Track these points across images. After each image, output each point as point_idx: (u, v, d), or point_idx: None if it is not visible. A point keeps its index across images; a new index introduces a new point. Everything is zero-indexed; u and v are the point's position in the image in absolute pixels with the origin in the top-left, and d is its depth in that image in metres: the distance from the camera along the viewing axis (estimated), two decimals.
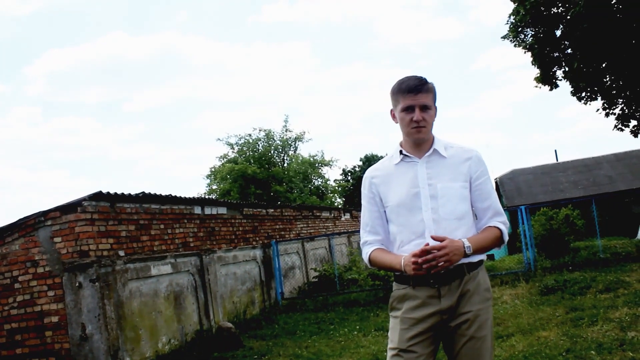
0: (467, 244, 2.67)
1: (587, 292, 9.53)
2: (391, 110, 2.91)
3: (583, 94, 17.11)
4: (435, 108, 2.87)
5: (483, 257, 2.87)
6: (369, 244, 2.97)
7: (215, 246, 11.45)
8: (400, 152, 2.88)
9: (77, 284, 7.89)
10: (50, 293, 8.05)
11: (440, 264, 2.59)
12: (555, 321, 7.86)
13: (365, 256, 2.98)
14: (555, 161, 33.29)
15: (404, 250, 2.80)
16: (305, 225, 17.12)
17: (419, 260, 2.59)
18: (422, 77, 2.81)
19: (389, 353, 2.83)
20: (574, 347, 6.33)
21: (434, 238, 2.64)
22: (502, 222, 2.86)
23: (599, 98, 17.23)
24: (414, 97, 2.76)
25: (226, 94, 68.33)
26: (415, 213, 2.79)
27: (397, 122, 2.88)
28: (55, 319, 8.01)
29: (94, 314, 7.87)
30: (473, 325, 2.73)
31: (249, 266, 12.96)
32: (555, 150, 67.86)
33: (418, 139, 2.81)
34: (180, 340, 9.58)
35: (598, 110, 17.53)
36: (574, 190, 26.94)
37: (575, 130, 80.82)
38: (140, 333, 8.68)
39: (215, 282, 11.06)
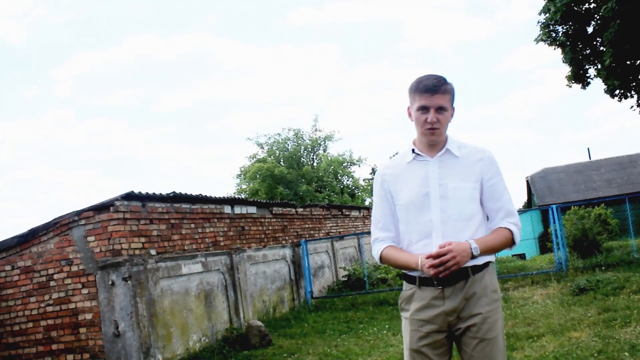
0: (473, 245, 2.66)
1: (621, 292, 9.38)
2: (408, 107, 2.88)
3: (616, 91, 16.80)
4: (453, 109, 2.84)
5: (490, 258, 2.84)
6: (380, 241, 2.94)
7: (245, 245, 11.55)
8: (413, 150, 2.87)
9: (110, 282, 8.04)
10: (84, 291, 8.22)
11: (451, 267, 2.59)
12: (587, 322, 7.76)
13: (376, 253, 2.95)
14: (588, 159, 32.76)
15: (412, 250, 2.81)
16: (334, 224, 17.15)
17: (436, 262, 2.59)
18: (441, 77, 2.77)
19: (404, 352, 2.88)
20: (606, 349, 6.25)
21: (440, 247, 2.63)
22: (513, 223, 2.82)
23: (634, 95, 16.89)
24: (430, 98, 2.72)
25: (255, 95, 68.62)
26: (425, 213, 2.78)
27: (412, 120, 2.86)
28: (89, 316, 8.18)
29: (126, 311, 8.01)
30: (483, 327, 2.72)
31: (279, 265, 13.04)
32: (588, 149, 66.41)
33: (431, 140, 2.79)
34: (211, 339, 9.69)
35: (632, 107, 17.17)
36: (607, 188, 26.52)
37: (609, 128, 79.30)
38: (171, 331, 8.81)
39: (245, 281, 11.16)
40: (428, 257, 2.63)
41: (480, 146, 2.89)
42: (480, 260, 2.74)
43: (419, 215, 2.79)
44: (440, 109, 2.74)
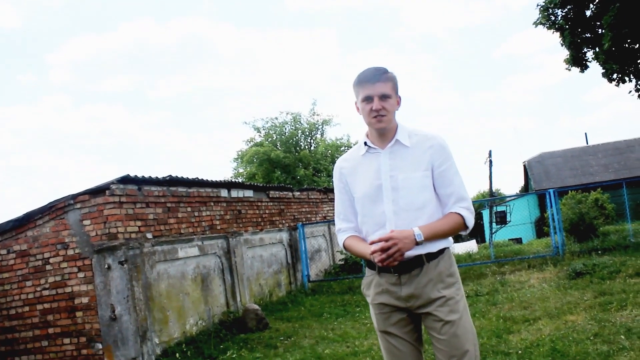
0: (417, 232, 2.71)
1: (617, 276, 9.40)
2: (355, 103, 2.95)
3: (614, 76, 16.71)
4: (399, 97, 2.91)
5: (445, 244, 2.89)
6: (343, 231, 3.07)
7: (241, 229, 11.53)
8: (365, 143, 2.94)
9: (106, 266, 8.02)
10: (81, 275, 8.20)
11: (394, 254, 2.64)
12: (583, 305, 7.78)
13: (340, 243, 3.09)
14: (585, 144, 32.75)
15: (369, 240, 2.89)
16: (331, 208, 17.13)
17: (376, 247, 2.66)
18: (381, 67, 2.86)
19: (377, 334, 3.01)
20: (602, 332, 6.27)
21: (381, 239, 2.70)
22: (464, 208, 2.86)
23: (632, 79, 16.80)
24: (372, 87, 2.80)
25: (252, 80, 68.47)
26: (378, 204, 2.87)
27: (360, 114, 2.92)
28: (85, 300, 8.16)
29: (122, 295, 8.00)
30: (443, 310, 2.79)
31: (276, 249, 13.04)
32: (586, 134, 66.81)
33: (379, 128, 2.85)
34: (208, 322, 9.70)
35: (630, 92, 17.10)
36: (604, 173, 26.55)
37: (606, 113, 79.34)
38: (168, 314, 8.81)
39: (241, 265, 11.15)
40: (371, 244, 2.72)
41: (431, 133, 2.94)
42: (434, 248, 2.82)
43: (373, 207, 2.88)
44: (383, 97, 2.81)
